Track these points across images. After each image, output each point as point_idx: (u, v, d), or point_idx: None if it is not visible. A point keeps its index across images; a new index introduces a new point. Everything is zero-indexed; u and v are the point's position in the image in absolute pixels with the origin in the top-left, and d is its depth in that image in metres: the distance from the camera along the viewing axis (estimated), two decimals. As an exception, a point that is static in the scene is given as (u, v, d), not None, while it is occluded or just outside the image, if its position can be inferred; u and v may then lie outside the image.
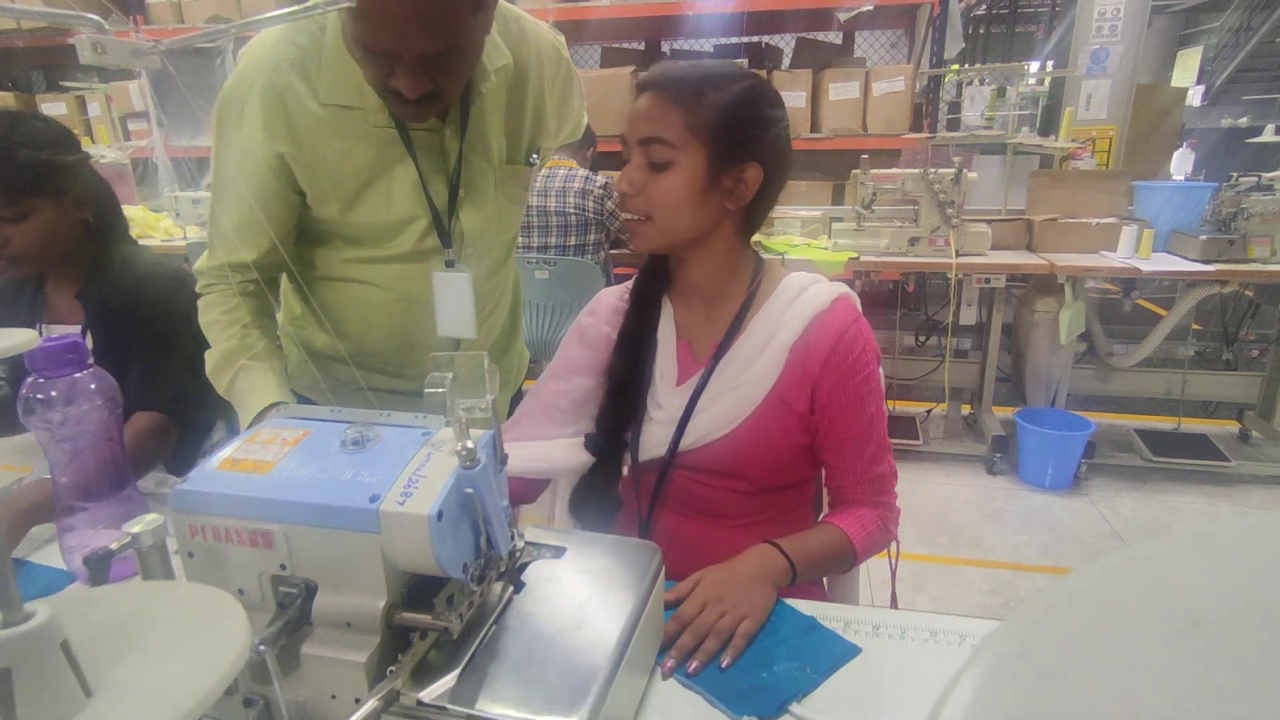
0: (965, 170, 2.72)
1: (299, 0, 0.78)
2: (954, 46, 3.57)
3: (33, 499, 0.96)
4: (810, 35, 4.27)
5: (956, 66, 3.67)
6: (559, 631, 0.62)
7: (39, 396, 0.76)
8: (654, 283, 1.02)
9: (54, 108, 4.24)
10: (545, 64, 1.11)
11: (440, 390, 0.56)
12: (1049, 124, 3.68)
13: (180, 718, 0.37)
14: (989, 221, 2.88)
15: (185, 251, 2.88)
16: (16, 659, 0.39)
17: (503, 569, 0.65)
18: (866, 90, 3.50)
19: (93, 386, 0.79)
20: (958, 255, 2.73)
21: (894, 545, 1.01)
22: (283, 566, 0.56)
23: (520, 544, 0.69)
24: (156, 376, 1.26)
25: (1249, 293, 2.85)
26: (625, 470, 1.02)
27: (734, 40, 4.31)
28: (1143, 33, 3.90)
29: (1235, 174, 2.81)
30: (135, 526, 0.62)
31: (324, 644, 0.56)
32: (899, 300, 3.36)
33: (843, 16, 3.53)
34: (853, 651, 0.75)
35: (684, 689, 0.71)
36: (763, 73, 3.20)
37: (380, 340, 1.15)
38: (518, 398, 1.43)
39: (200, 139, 4.25)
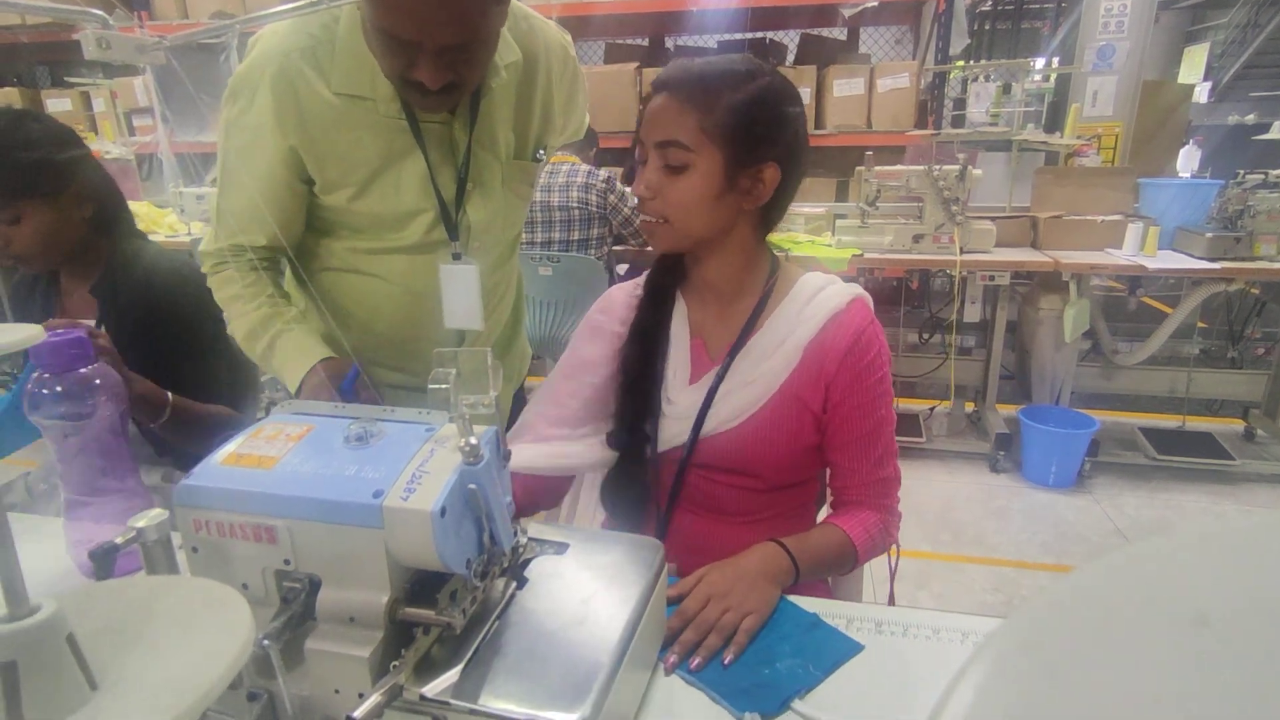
0: (970, 167, 2.71)
1: None
2: (959, 42, 3.56)
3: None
4: (815, 31, 4.26)
5: (962, 63, 3.65)
6: (562, 627, 0.62)
7: (44, 391, 0.77)
8: (668, 277, 1.02)
9: (59, 103, 4.25)
10: (554, 62, 1.12)
11: (444, 386, 0.56)
12: (1054, 121, 3.67)
13: (185, 711, 0.37)
14: (994, 219, 2.87)
15: (190, 247, 2.88)
16: (23, 652, 0.39)
17: (506, 565, 0.65)
18: (871, 87, 3.49)
19: (98, 381, 0.79)
20: (962, 252, 2.73)
21: (894, 548, 1.01)
22: (286, 562, 0.56)
23: (523, 540, 0.69)
24: (168, 377, 1.27)
25: (1255, 290, 2.85)
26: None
27: (738, 36, 4.29)
28: (1149, 29, 3.88)
29: (1242, 171, 2.79)
30: (140, 521, 0.63)
31: (328, 639, 0.56)
32: (903, 297, 3.35)
33: (847, 12, 3.52)
34: (855, 649, 0.75)
35: (687, 685, 0.71)
36: (767, 69, 3.19)
37: (383, 333, 1.15)
38: (520, 394, 1.44)
39: (205, 135, 4.26)
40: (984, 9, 7.09)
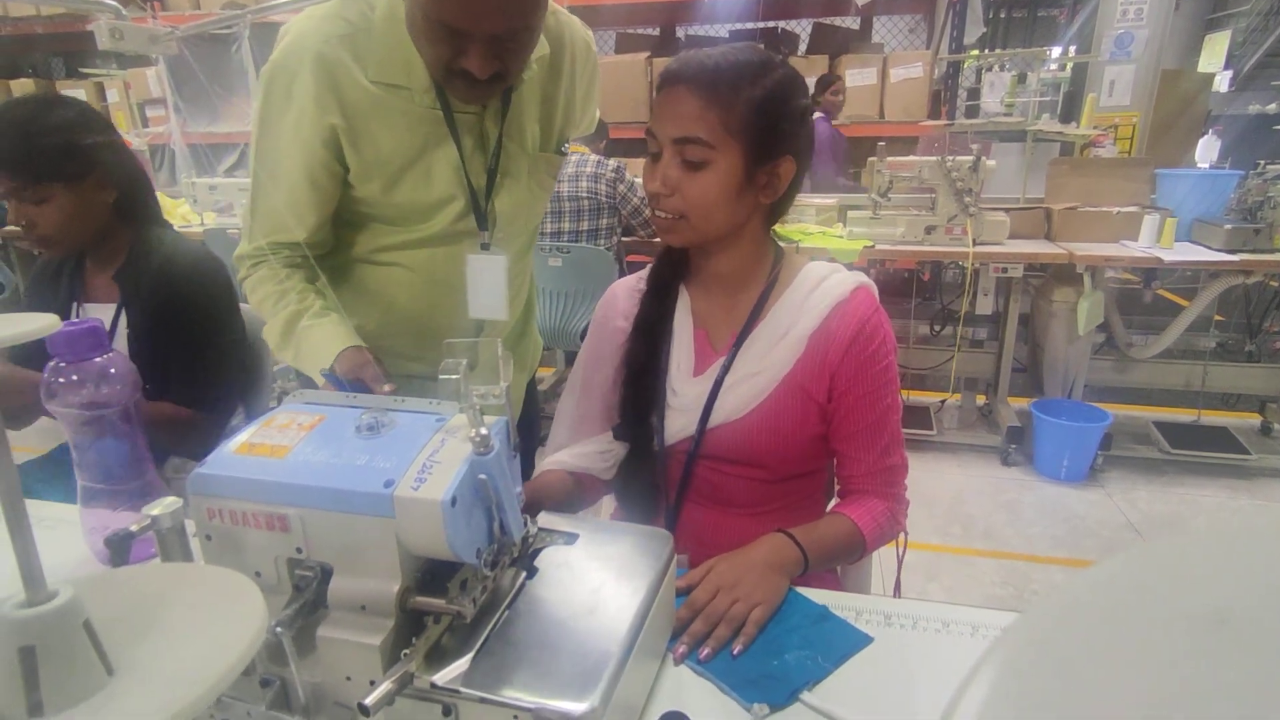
0: (984, 158, 2.68)
1: None
2: (974, 32, 3.52)
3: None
4: (827, 20, 4.22)
5: (976, 52, 3.61)
6: (571, 617, 0.62)
7: (60, 380, 0.77)
8: (672, 270, 1.01)
9: (73, 94, 4.27)
10: (578, 56, 1.13)
11: (455, 377, 0.56)
12: (1070, 111, 3.62)
13: (199, 697, 0.38)
14: (1007, 210, 2.85)
15: (203, 238, 2.90)
16: (40, 637, 0.39)
17: (516, 554, 0.66)
18: (884, 76, 3.46)
19: (113, 371, 0.80)
20: (975, 244, 2.70)
21: (901, 536, 1.01)
22: (299, 550, 0.57)
23: (533, 530, 0.69)
24: (184, 369, 1.28)
25: (1274, 283, 2.80)
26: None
27: (750, 25, 4.26)
28: (1169, 16, 3.82)
29: (1262, 161, 2.75)
30: (155, 509, 0.63)
31: (339, 627, 0.56)
32: (914, 289, 3.33)
33: (860, 1, 3.48)
34: (864, 641, 0.75)
35: (696, 675, 0.71)
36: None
37: (402, 322, 1.16)
38: (533, 384, 1.44)
39: (217, 125, 4.28)
40: (1000, -3, 6.99)
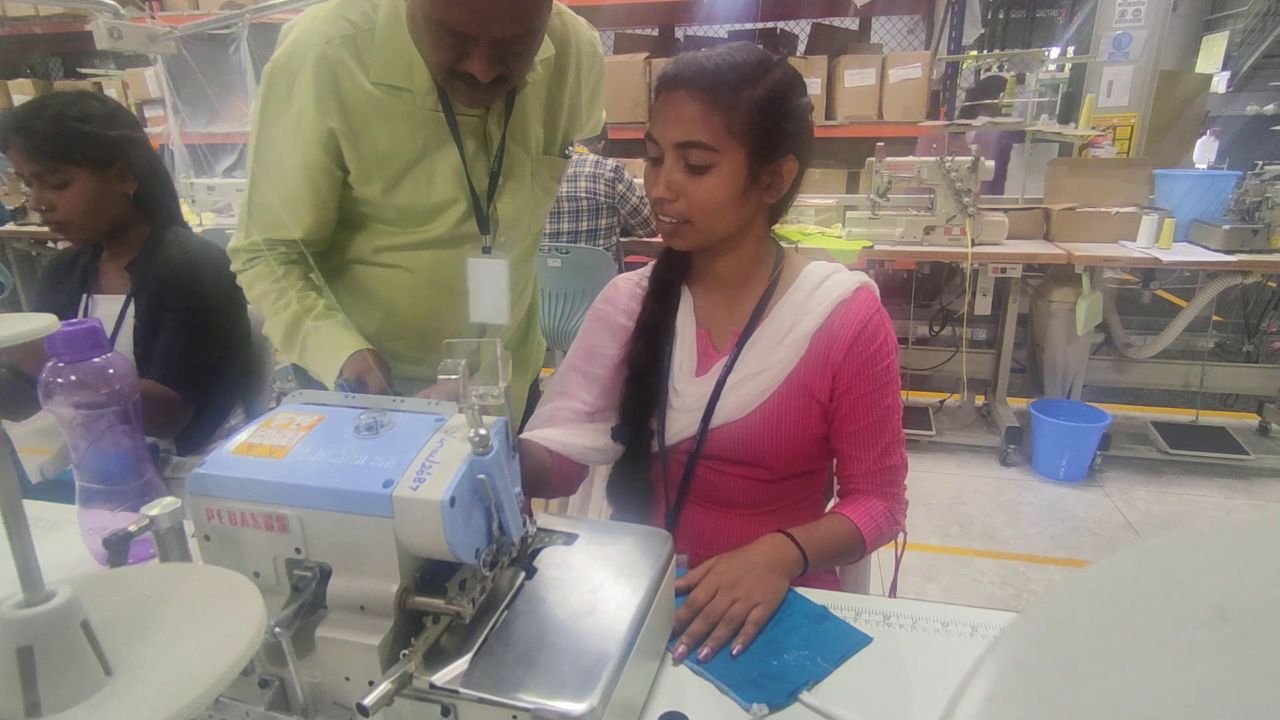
0: (982, 158, 2.68)
1: None
2: (972, 32, 3.52)
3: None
4: (826, 21, 4.22)
5: (975, 53, 3.61)
6: (570, 617, 0.62)
7: (59, 380, 0.77)
8: (674, 272, 1.01)
9: (71, 94, 4.27)
10: (584, 58, 1.12)
11: (453, 377, 0.56)
12: (1069, 111, 3.62)
13: (198, 697, 0.38)
14: (1006, 210, 2.85)
15: (201, 237, 2.89)
16: (38, 637, 0.39)
17: (515, 555, 0.66)
18: (883, 77, 3.46)
19: (111, 371, 0.79)
20: (973, 244, 2.70)
21: (900, 536, 1.01)
22: (298, 550, 0.57)
23: (532, 530, 0.69)
24: (179, 353, 1.29)
25: (1272, 284, 2.81)
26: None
27: (749, 26, 4.26)
28: (1167, 17, 3.82)
29: (1260, 162, 2.75)
30: (153, 509, 0.63)
31: (338, 627, 0.56)
32: (913, 290, 3.33)
33: (859, 2, 3.48)
34: (864, 641, 0.75)
35: (695, 675, 0.71)
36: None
37: (404, 325, 1.15)
38: (535, 386, 1.44)
39: (216, 125, 4.27)
40: (998, -2, 7.00)
